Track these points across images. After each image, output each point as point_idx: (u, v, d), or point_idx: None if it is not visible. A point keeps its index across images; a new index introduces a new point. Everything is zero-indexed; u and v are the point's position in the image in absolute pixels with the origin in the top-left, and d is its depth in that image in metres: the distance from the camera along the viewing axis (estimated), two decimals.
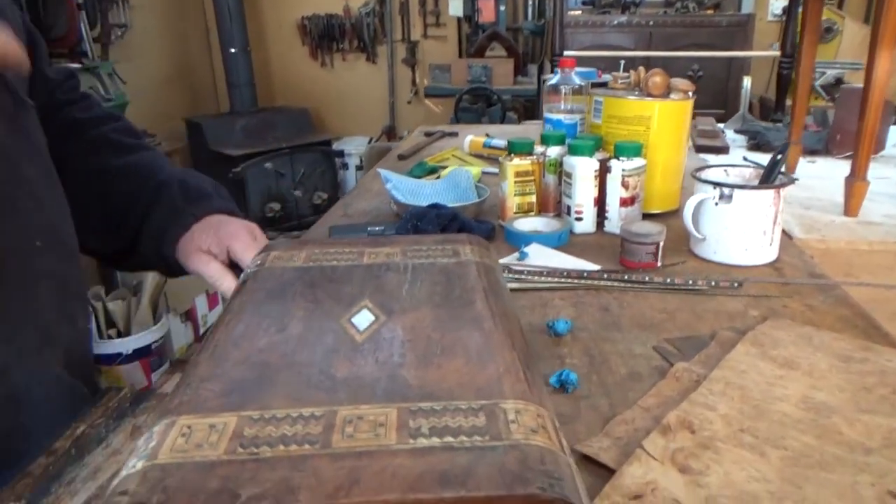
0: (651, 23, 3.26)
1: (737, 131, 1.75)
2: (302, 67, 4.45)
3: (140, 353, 2.18)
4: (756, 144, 1.64)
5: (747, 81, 1.93)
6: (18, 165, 0.56)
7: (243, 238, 0.70)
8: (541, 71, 3.35)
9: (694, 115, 1.98)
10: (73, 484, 0.49)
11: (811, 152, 1.56)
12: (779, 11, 3.72)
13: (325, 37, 4.30)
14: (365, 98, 4.43)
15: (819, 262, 0.98)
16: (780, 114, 2.17)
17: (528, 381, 0.36)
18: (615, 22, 3.27)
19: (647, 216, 1.07)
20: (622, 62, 1.55)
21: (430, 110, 4.06)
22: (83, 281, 0.66)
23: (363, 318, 0.43)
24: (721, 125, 1.90)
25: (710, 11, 3.43)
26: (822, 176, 1.36)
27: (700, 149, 1.62)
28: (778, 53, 2.62)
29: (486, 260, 0.53)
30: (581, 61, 3.18)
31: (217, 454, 0.30)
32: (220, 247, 0.71)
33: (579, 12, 3.53)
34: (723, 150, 1.60)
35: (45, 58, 0.71)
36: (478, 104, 3.11)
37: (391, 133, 4.38)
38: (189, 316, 2.23)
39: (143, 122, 3.12)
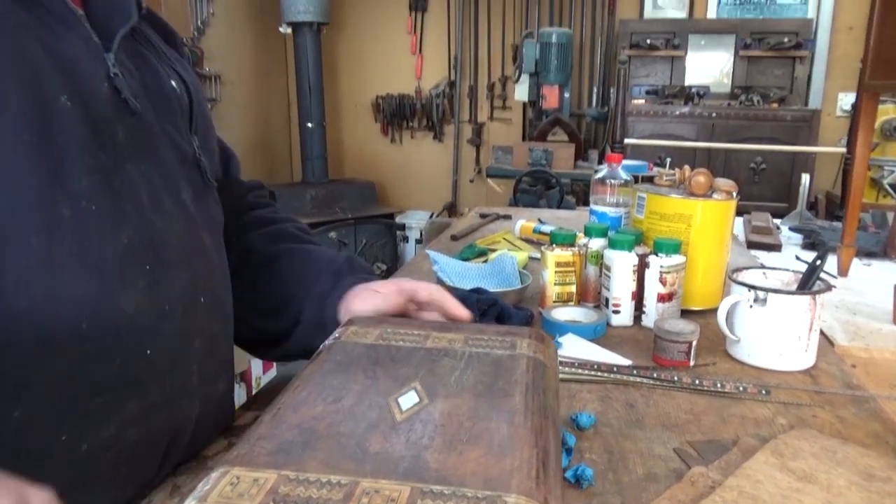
0: (714, 114, 3.30)
1: (792, 229, 1.74)
2: (372, 142, 4.69)
3: None
4: (811, 243, 1.62)
5: (805, 178, 1.93)
6: (200, 230, 0.65)
7: (422, 287, 0.75)
8: (601, 157, 3.41)
9: (750, 210, 1.99)
10: None
11: (868, 254, 1.53)
12: (847, 107, 3.69)
13: (397, 115, 4.54)
14: (429, 174, 4.60)
15: (861, 371, 0.97)
16: (843, 211, 2.14)
17: (537, 479, 0.39)
18: (677, 112, 3.33)
19: (687, 313, 1.08)
20: (668, 160, 1.58)
21: (491, 189, 4.17)
22: (231, 349, 0.72)
23: (408, 399, 0.47)
24: (778, 221, 1.89)
25: (775, 106, 3.45)
26: (876, 280, 1.33)
27: (752, 245, 1.62)
28: (843, 150, 2.61)
29: (539, 356, 0.57)
30: (641, 149, 3.25)
31: None
32: (388, 288, 0.75)
33: (642, 101, 3.61)
34: (775, 247, 1.60)
35: (238, 169, 0.88)
36: (537, 186, 3.19)
37: (452, 209, 4.51)
38: (244, 377, 2.32)
39: None
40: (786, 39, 3.62)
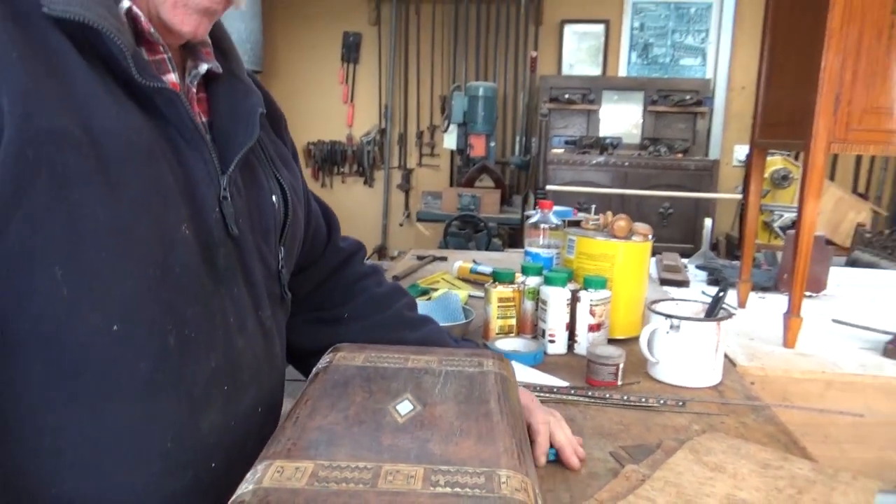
0: (626, 163, 3.59)
1: (698, 267, 1.94)
2: None
3: None
4: (714, 280, 1.83)
5: (708, 222, 2.16)
6: (272, 344, 0.69)
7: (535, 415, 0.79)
8: (525, 201, 3.61)
9: (661, 250, 2.20)
10: None
11: (763, 289, 1.74)
12: (742, 158, 4.10)
13: (328, 160, 4.63)
14: (360, 219, 4.70)
15: (758, 387, 1.13)
16: (740, 251, 2.39)
17: (519, 459, 0.50)
18: (594, 161, 3.60)
19: (612, 341, 1.22)
20: (594, 206, 1.75)
21: (420, 233, 4.31)
22: None
23: (404, 406, 0.57)
24: (685, 260, 2.10)
25: (679, 156, 3.79)
26: (769, 311, 1.53)
27: (664, 282, 1.81)
28: (739, 196, 2.90)
29: (503, 371, 0.67)
30: (561, 195, 3.48)
31: (301, 485, 0.44)
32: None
33: (561, 151, 3.87)
34: (684, 283, 1.79)
35: (338, 232, 0.92)
36: (466, 230, 3.35)
37: (382, 252, 4.60)
38: None
39: None
40: (688, 97, 4.00)
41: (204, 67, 0.64)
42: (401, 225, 4.68)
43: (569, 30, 4.22)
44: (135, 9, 0.56)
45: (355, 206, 4.71)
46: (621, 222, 1.26)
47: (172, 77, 0.61)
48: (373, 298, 0.90)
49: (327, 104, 4.59)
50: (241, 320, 0.63)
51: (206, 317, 0.58)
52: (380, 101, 4.55)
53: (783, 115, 1.46)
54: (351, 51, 4.49)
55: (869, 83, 1.23)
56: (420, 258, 2.08)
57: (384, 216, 4.69)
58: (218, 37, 0.69)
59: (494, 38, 4.31)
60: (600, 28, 4.17)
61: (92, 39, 0.51)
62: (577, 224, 1.39)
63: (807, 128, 1.25)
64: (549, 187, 3.37)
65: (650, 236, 1.28)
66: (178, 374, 0.55)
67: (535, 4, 4.22)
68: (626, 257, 1.24)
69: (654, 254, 2.04)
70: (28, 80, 0.47)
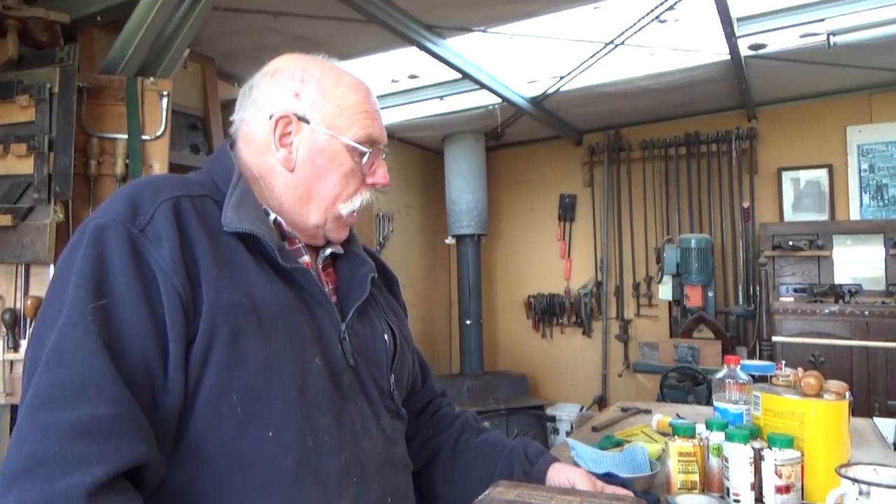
0: (867, 312, 3.26)
1: None
2: (524, 337, 5.02)
3: None
4: None
5: None
6: (393, 447, 0.89)
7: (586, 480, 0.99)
8: (751, 354, 3.43)
9: None
10: None
11: None
12: None
13: (547, 312, 4.88)
14: (579, 368, 4.78)
15: None
16: None
17: None
18: (827, 311, 3.33)
19: None
20: (783, 363, 1.67)
21: (640, 384, 4.24)
22: None
23: None
24: None
25: None
26: None
27: None
28: None
29: None
30: (793, 348, 3.24)
31: None
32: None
33: (791, 299, 3.65)
34: None
35: (433, 379, 1.18)
36: (684, 382, 3.26)
37: (602, 403, 4.58)
38: None
39: None
40: None
41: (328, 251, 0.92)
42: (620, 375, 4.65)
43: (787, 176, 4.11)
44: (279, 218, 0.86)
45: (574, 357, 4.82)
46: (811, 379, 1.26)
47: (306, 258, 0.88)
48: (445, 416, 1.12)
49: (546, 260, 4.94)
50: (365, 427, 0.83)
51: (336, 424, 0.78)
52: (595, 256, 4.77)
53: None
54: (567, 210, 4.85)
55: None
56: (624, 410, 2.14)
57: (603, 366, 4.71)
58: None
59: (707, 190, 4.36)
60: (822, 173, 4.01)
61: (254, 240, 0.80)
62: (767, 380, 1.40)
63: None
64: (775, 338, 3.20)
65: (846, 395, 1.25)
66: (316, 468, 0.75)
67: (748, 155, 4.23)
68: (819, 417, 1.22)
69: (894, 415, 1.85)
70: (216, 272, 0.74)
